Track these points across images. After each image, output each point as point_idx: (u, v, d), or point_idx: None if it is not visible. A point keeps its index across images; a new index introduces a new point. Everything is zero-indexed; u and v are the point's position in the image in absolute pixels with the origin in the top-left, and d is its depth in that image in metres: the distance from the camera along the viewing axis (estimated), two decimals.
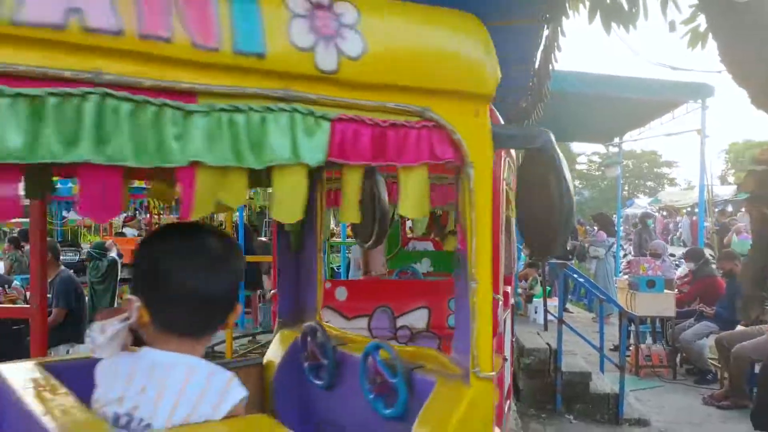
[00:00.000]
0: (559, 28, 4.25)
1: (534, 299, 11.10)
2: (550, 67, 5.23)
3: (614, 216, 15.01)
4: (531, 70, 6.73)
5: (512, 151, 3.71)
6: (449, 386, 1.62)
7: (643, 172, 53.09)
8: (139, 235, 12.16)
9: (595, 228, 13.01)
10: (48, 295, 6.98)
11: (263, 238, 11.69)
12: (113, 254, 8.57)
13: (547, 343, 6.78)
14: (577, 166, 47.44)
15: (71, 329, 7.23)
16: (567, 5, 3.77)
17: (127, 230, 12.42)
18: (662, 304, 8.09)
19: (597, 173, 54.44)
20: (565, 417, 6.29)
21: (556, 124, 10.02)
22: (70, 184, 11.19)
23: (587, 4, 3.98)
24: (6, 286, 6.31)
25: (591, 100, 9.82)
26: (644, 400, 6.97)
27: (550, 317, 8.39)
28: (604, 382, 6.68)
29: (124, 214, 14.65)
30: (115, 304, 8.02)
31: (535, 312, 10.95)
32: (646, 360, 7.97)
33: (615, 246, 11.92)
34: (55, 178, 2.12)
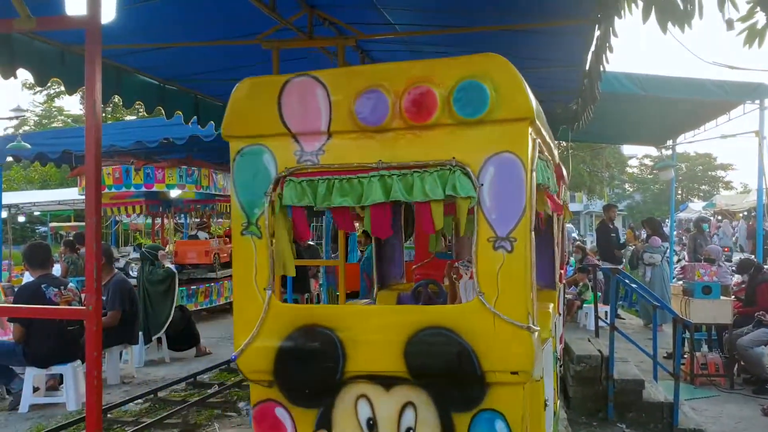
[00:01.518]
0: (611, 29, 4.16)
1: (584, 305, 10.90)
2: (601, 69, 5.12)
3: (667, 220, 14.64)
4: (581, 72, 6.63)
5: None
6: None
7: (697, 176, 51.78)
8: (208, 238, 12.75)
9: (645, 233, 12.68)
10: (102, 298, 7.18)
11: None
12: (169, 265, 8.76)
13: (599, 350, 6.63)
14: (628, 169, 46.49)
15: (125, 331, 7.40)
16: (619, 5, 3.67)
17: (200, 233, 13.19)
18: (718, 311, 7.85)
19: (649, 176, 53.37)
20: (618, 426, 6.14)
21: (606, 127, 9.88)
22: (123, 189, 11.50)
23: (639, 3, 3.88)
24: (62, 287, 6.47)
25: (643, 102, 9.60)
26: (700, 409, 6.76)
27: (600, 323, 8.21)
28: (658, 391, 6.50)
29: (197, 219, 15.33)
30: (171, 313, 8.23)
31: (586, 318, 10.77)
32: (701, 368, 7.72)
33: (669, 251, 11.61)
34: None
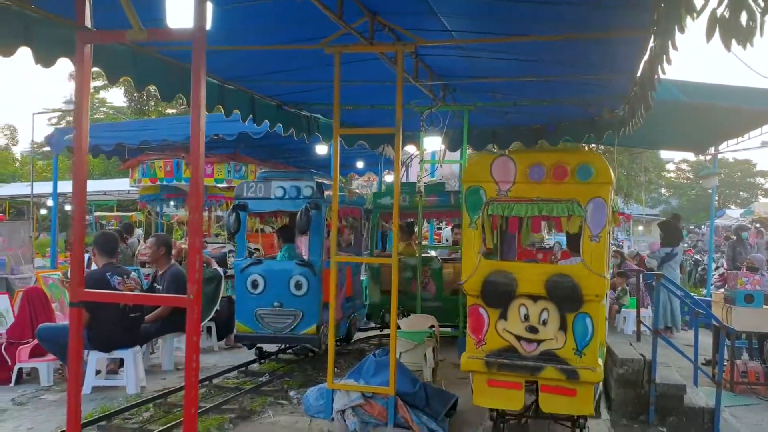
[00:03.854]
0: (670, 42, 4.27)
1: (623, 309, 10.96)
2: (656, 78, 5.23)
3: (704, 226, 14.53)
4: (632, 79, 6.73)
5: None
6: None
7: (736, 182, 50.96)
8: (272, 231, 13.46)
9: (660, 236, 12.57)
10: (158, 287, 7.48)
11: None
12: (215, 267, 9.00)
13: (641, 354, 6.73)
14: (666, 174, 45.92)
15: (179, 320, 7.67)
16: (682, 18, 3.78)
17: (266, 228, 13.77)
18: (761, 320, 7.88)
19: (685, 182, 52.68)
20: (658, 429, 6.25)
21: (648, 132, 9.90)
22: (174, 182, 11.85)
23: (698, 18, 3.99)
24: (125, 276, 6.78)
25: (687, 108, 9.62)
26: (740, 416, 6.83)
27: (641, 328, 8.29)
28: (699, 396, 6.59)
29: None
30: (217, 306, 8.49)
31: (624, 322, 10.83)
32: (742, 376, 7.78)
33: (678, 256, 11.51)
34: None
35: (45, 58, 4.67)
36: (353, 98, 7.95)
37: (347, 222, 9.48)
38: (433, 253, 10.72)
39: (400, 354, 6.22)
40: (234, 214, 7.48)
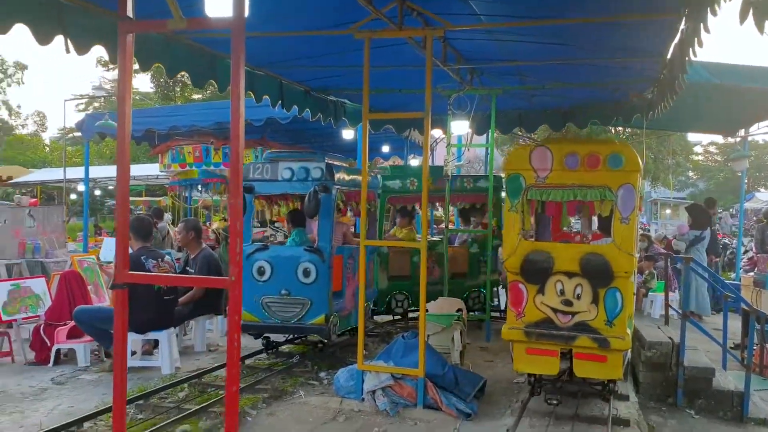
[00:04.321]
0: (702, 24, 4.25)
1: (650, 293, 10.92)
2: (687, 61, 5.20)
3: (734, 209, 14.36)
4: (661, 62, 6.68)
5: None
6: None
7: (766, 165, 50.13)
8: None
9: (687, 220, 12.43)
10: (191, 270, 7.62)
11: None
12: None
13: (669, 337, 6.74)
14: (693, 157, 45.30)
15: (211, 302, 7.84)
16: (715, 2, 3.77)
17: None
18: None
19: (714, 164, 51.91)
20: (687, 412, 6.27)
21: (677, 114, 9.80)
22: (203, 167, 12.01)
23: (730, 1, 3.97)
24: (159, 259, 6.93)
25: (717, 90, 9.51)
26: None
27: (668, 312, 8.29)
28: (728, 380, 6.58)
29: None
30: None
31: (651, 306, 10.79)
32: None
33: (706, 240, 11.38)
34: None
35: (80, 46, 4.78)
36: (380, 83, 7.96)
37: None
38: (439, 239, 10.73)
39: (428, 337, 6.30)
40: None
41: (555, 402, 5.64)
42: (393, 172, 9.56)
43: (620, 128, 19.72)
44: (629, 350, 5.83)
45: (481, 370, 6.82)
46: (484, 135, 10.55)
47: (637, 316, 8.84)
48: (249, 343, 8.27)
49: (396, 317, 9.55)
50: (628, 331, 5.44)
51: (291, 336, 7.90)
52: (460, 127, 9.13)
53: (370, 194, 8.02)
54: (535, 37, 6.45)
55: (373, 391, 5.87)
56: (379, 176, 9.06)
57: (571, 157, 5.48)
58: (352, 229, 9.94)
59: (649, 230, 19.89)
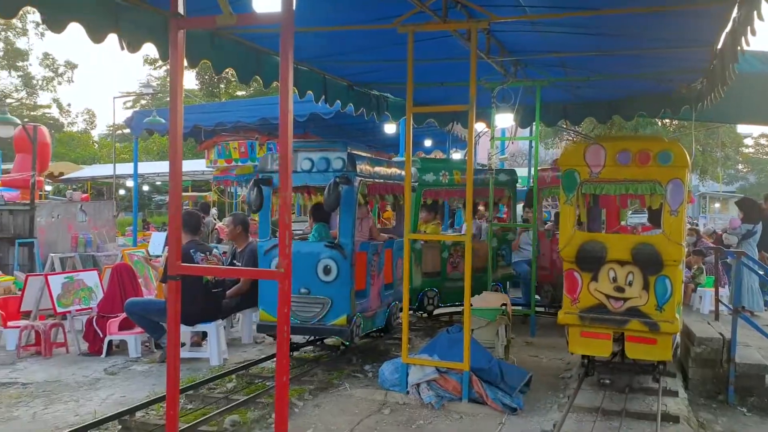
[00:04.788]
0: (756, 12, 4.15)
1: (699, 288, 10.68)
2: (738, 50, 5.07)
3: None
4: (711, 52, 6.53)
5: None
6: None
7: None
8: None
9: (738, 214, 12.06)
10: (238, 263, 7.74)
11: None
12: None
13: (720, 333, 6.60)
14: (743, 149, 44.07)
15: (257, 295, 7.93)
16: None
17: None
18: None
19: (765, 157, 50.43)
20: (738, 409, 6.13)
21: (727, 105, 9.56)
22: (248, 162, 12.16)
23: None
24: (207, 253, 7.06)
25: None
26: None
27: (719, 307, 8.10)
28: None
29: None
30: None
31: (699, 302, 10.55)
32: None
33: (757, 234, 11.04)
34: None
35: (132, 44, 4.90)
36: (423, 76, 7.96)
37: (388, 199, 8.28)
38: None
39: (473, 331, 6.28)
40: (256, 189, 6.66)
41: (608, 381, 6.10)
42: (423, 164, 9.24)
43: (667, 120, 19.30)
44: (678, 333, 6.16)
45: (526, 364, 6.78)
46: (529, 128, 10.46)
47: (685, 311, 8.67)
48: (293, 337, 8.37)
49: (423, 314, 9.29)
50: (677, 315, 5.81)
51: (311, 337, 7.46)
52: (504, 120, 9.07)
53: (397, 186, 7.65)
54: (579, 28, 6.36)
55: (418, 384, 5.89)
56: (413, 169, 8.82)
57: (623, 154, 5.85)
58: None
59: (697, 224, 19.44)
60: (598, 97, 9.47)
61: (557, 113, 10.06)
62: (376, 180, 7.12)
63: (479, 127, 11.82)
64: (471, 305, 5.97)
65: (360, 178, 6.65)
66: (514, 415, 5.52)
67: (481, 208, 10.30)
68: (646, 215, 8.87)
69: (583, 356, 6.28)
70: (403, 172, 7.98)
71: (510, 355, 7.01)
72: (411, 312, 9.11)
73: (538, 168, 9.14)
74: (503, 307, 7.16)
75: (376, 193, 7.34)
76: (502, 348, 6.75)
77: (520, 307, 9.17)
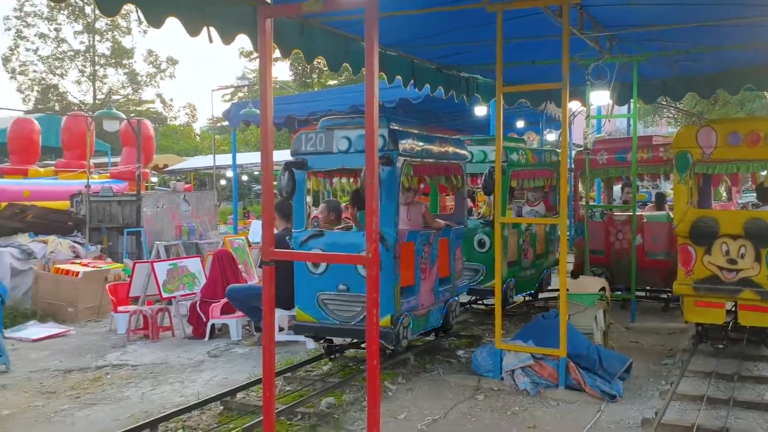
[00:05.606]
0: None
1: None
2: None
3: None
4: None
5: None
6: None
7: None
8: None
9: None
10: None
11: None
12: None
13: None
14: None
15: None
16: None
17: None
18: None
19: None
20: None
21: None
22: None
23: None
24: None
25: None
26: None
27: None
28: None
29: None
30: None
31: None
32: None
33: None
34: None
35: (225, 36, 5.03)
36: (513, 55, 7.76)
37: (445, 181, 7.22)
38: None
39: (569, 316, 6.13)
40: (287, 174, 6.05)
41: (721, 346, 6.64)
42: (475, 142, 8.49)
43: None
44: None
45: (626, 351, 6.56)
46: (626, 105, 10.05)
47: None
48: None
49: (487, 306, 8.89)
50: None
51: (353, 340, 6.60)
52: (600, 97, 8.75)
53: (455, 167, 6.93)
54: (680, 6, 6.05)
55: (513, 371, 5.81)
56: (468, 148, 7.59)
57: (734, 135, 6.18)
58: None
59: None
60: (700, 70, 8.97)
61: (656, 89, 9.64)
62: (426, 160, 6.37)
63: (574, 106, 11.46)
64: (567, 290, 5.83)
65: (404, 158, 5.86)
66: (613, 403, 5.35)
67: (529, 194, 9.60)
68: (755, 194, 8.52)
69: (697, 324, 6.72)
70: (461, 150, 7.16)
71: (609, 341, 6.80)
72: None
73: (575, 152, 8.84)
74: (601, 291, 6.95)
75: (427, 175, 6.60)
76: (601, 333, 6.55)
77: (619, 292, 8.86)
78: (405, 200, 6.58)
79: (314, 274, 6.00)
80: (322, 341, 6.58)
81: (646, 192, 15.10)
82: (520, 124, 15.73)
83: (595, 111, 9.59)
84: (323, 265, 5.97)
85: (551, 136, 15.65)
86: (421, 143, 6.22)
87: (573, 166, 9.73)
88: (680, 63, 8.47)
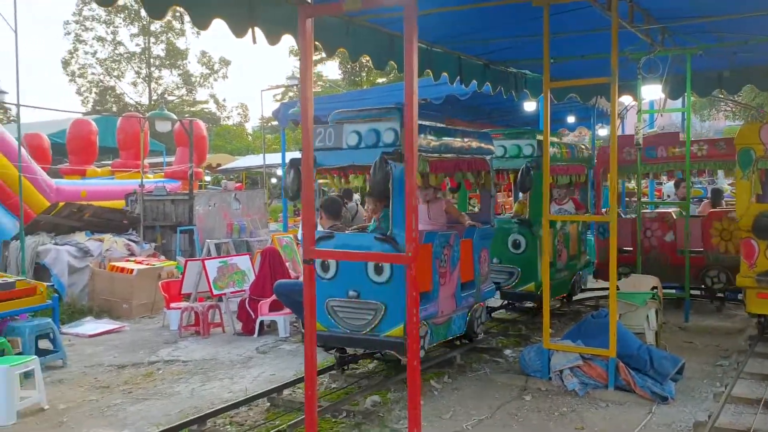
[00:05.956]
0: None
1: None
2: None
3: None
4: None
5: None
6: None
7: None
8: None
9: None
10: None
11: None
12: None
13: None
14: None
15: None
16: None
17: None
18: None
19: None
20: None
21: None
22: None
23: None
24: None
25: None
26: None
27: None
28: None
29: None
30: None
31: None
32: None
33: None
34: None
35: (271, 36, 5.07)
36: (562, 50, 7.64)
37: (471, 177, 6.84)
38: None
39: (620, 316, 5.99)
40: (292, 171, 5.68)
41: None
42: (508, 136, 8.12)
43: None
44: None
45: (678, 351, 6.38)
46: (679, 99, 9.77)
47: None
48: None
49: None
50: None
51: (365, 350, 6.07)
52: (652, 91, 8.52)
53: (480, 162, 6.60)
54: None
55: (561, 371, 5.72)
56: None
57: None
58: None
59: None
60: (758, 62, 8.66)
61: (711, 82, 9.35)
62: (445, 155, 5.99)
63: (625, 100, 11.21)
64: (618, 289, 5.70)
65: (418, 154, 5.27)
66: (664, 404, 5.22)
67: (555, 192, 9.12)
68: None
69: (759, 316, 6.85)
70: (486, 145, 6.71)
71: (661, 341, 6.63)
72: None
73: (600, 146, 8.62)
74: (653, 290, 6.78)
75: (446, 171, 6.23)
76: (652, 334, 6.39)
77: (673, 291, 8.63)
78: (424, 198, 6.38)
79: (323, 279, 5.57)
80: (332, 351, 6.11)
81: (702, 188, 14.67)
82: (571, 119, 15.43)
83: (647, 105, 9.33)
84: (332, 270, 5.61)
85: (603, 131, 15.31)
86: (438, 137, 5.88)
87: (595, 162, 9.40)
88: (737, 54, 8.18)
